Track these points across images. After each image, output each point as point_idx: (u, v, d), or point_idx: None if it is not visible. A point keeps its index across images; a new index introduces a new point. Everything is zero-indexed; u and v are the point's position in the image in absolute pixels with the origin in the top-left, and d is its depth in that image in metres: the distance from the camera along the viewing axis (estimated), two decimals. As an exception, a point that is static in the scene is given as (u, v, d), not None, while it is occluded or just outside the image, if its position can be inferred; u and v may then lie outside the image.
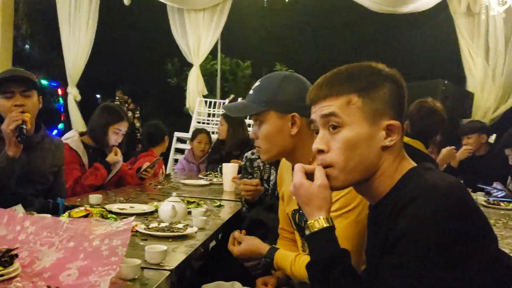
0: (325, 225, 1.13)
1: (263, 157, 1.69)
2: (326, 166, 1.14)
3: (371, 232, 1.21)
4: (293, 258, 1.60)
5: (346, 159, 1.11)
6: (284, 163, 1.79)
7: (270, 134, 1.63)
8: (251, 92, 1.70)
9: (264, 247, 1.72)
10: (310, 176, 1.16)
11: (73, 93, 6.80)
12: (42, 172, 2.29)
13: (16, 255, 1.22)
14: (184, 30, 6.58)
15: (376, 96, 1.11)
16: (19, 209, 1.52)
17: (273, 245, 1.72)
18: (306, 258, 1.56)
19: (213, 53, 7.52)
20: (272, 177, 2.33)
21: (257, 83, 1.71)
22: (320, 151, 1.14)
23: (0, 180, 2.04)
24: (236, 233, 1.82)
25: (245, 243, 1.78)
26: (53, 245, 1.32)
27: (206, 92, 6.89)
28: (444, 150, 3.73)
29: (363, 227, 1.44)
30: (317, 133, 1.18)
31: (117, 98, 7.71)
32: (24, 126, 2.03)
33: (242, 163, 2.69)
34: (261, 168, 2.47)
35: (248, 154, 2.59)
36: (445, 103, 4.08)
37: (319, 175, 1.14)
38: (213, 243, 2.59)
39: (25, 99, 2.15)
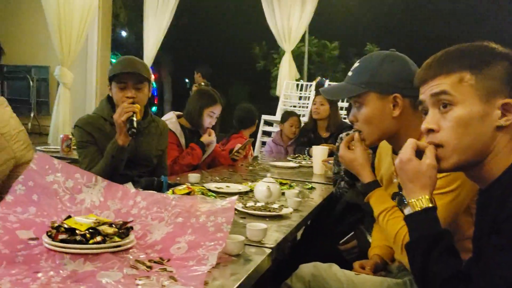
0: (428, 205, 1.11)
1: (366, 143, 1.64)
2: (436, 146, 1.11)
3: (479, 216, 1.17)
4: (389, 206, 1.53)
5: (458, 138, 1.08)
6: (384, 145, 1.75)
7: (371, 117, 1.58)
8: (350, 73, 1.67)
9: (368, 174, 1.61)
10: (417, 154, 1.14)
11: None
12: (147, 156, 2.42)
13: (132, 228, 1.31)
14: (275, 16, 6.62)
15: (489, 73, 1.06)
16: (129, 186, 1.63)
17: (377, 180, 1.63)
18: (400, 215, 1.48)
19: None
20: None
21: (357, 64, 1.66)
22: (430, 131, 1.12)
23: (110, 166, 2.19)
24: (357, 135, 1.65)
25: (356, 154, 1.64)
26: (163, 220, 1.40)
27: (298, 76, 6.90)
28: None
29: (454, 213, 1.42)
30: (425, 114, 1.15)
31: (202, 84, 7.90)
32: (134, 118, 2.13)
33: (337, 144, 2.66)
34: None
35: (342, 135, 2.55)
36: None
37: (430, 155, 1.11)
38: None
39: (137, 91, 2.25)
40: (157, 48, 6.90)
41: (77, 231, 1.20)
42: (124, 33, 12.10)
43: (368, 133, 1.61)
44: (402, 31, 10.57)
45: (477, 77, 1.06)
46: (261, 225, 1.51)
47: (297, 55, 8.65)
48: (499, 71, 1.06)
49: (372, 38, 9.36)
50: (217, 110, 3.23)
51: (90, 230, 1.22)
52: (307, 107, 6.57)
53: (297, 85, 6.85)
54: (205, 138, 3.18)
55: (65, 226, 1.22)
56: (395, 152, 1.64)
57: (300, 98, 6.85)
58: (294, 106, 6.78)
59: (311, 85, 6.86)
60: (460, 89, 1.07)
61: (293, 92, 6.86)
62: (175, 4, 6.76)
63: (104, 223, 1.26)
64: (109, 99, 2.36)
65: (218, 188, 2.28)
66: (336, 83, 1.81)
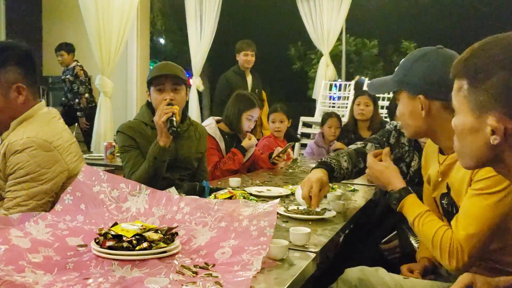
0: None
1: (405, 135, 1.68)
2: None
3: None
4: (423, 211, 1.51)
5: (459, 144, 1.05)
6: (430, 145, 1.70)
7: (403, 114, 1.61)
8: (396, 69, 1.68)
9: (399, 182, 1.61)
10: None
11: (197, 84, 7.14)
12: (187, 159, 2.46)
13: (176, 233, 1.32)
14: (311, 18, 6.60)
15: (483, 86, 0.95)
16: (173, 191, 1.65)
17: (409, 187, 1.61)
18: (434, 218, 1.49)
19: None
20: (413, 163, 2.20)
21: (402, 60, 1.68)
22: None
23: (153, 168, 2.23)
24: (387, 150, 1.70)
25: (385, 165, 1.66)
26: (207, 225, 1.42)
27: (336, 78, 6.86)
28: None
29: (501, 214, 1.36)
30: None
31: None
32: (174, 118, 2.18)
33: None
34: (406, 147, 2.32)
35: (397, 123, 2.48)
36: None
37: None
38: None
39: (175, 93, 2.31)
40: (203, 59, 7.00)
41: (124, 238, 1.22)
42: (162, 40, 12.34)
43: (404, 127, 1.65)
44: (440, 26, 10.26)
45: (471, 89, 0.98)
46: (305, 229, 1.49)
47: (335, 55, 8.57)
48: (493, 83, 0.94)
49: (410, 35, 9.13)
50: (255, 113, 3.23)
51: (137, 237, 1.24)
52: (346, 107, 6.49)
53: (336, 85, 6.78)
54: (246, 143, 3.19)
55: (112, 233, 1.24)
56: (441, 151, 1.59)
57: (338, 98, 6.77)
58: (333, 107, 6.71)
59: (349, 84, 6.78)
60: (457, 98, 1.02)
61: (330, 93, 6.79)
62: (217, 16, 6.85)
63: (149, 229, 1.28)
64: (149, 104, 2.41)
65: (259, 191, 2.28)
66: (382, 77, 1.84)
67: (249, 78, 5.18)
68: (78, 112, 6.01)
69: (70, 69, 6.18)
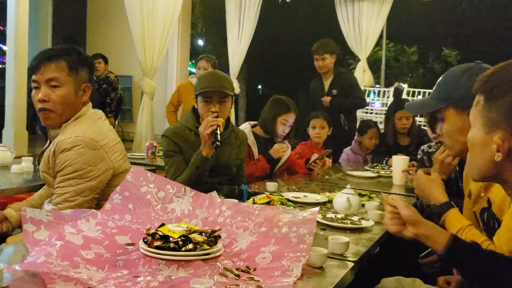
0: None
1: (451, 154, 1.65)
2: None
3: None
4: (464, 225, 1.53)
5: (469, 157, 1.15)
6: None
7: (451, 132, 1.60)
8: (434, 87, 1.67)
9: (442, 196, 1.65)
10: None
11: (234, 86, 7.23)
12: (227, 165, 2.52)
13: (219, 236, 1.37)
14: (349, 22, 6.59)
15: (497, 104, 1.03)
16: (214, 195, 1.70)
17: (452, 201, 1.64)
18: (476, 233, 1.49)
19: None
20: (452, 174, 2.21)
21: (440, 78, 1.68)
22: None
23: (195, 176, 2.31)
24: (436, 167, 1.77)
25: (431, 178, 1.70)
26: (247, 229, 1.46)
27: (373, 84, 6.83)
28: None
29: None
30: None
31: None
32: (218, 132, 2.26)
33: (419, 156, 2.60)
34: None
35: (424, 147, 2.50)
36: None
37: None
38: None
39: (221, 105, 2.38)
40: (241, 62, 7.08)
41: (170, 239, 1.28)
42: (201, 42, 12.53)
43: (450, 146, 1.64)
44: (482, 36, 9.98)
45: (485, 105, 1.04)
46: (344, 238, 1.52)
47: (374, 60, 8.50)
48: (506, 102, 1.00)
49: (451, 43, 8.96)
50: (290, 118, 3.23)
51: (182, 238, 1.29)
52: (385, 113, 6.44)
53: (374, 91, 6.74)
54: (273, 151, 3.18)
55: (160, 233, 1.30)
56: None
57: (373, 103, 6.73)
58: (370, 113, 6.66)
59: (388, 90, 6.72)
60: (473, 112, 1.08)
61: (368, 99, 6.75)
62: (256, 20, 6.92)
63: (194, 231, 1.33)
64: (194, 110, 2.47)
65: (295, 197, 2.30)
66: (422, 98, 1.85)
67: (327, 82, 4.63)
68: (109, 113, 6.11)
69: (104, 78, 6.26)
